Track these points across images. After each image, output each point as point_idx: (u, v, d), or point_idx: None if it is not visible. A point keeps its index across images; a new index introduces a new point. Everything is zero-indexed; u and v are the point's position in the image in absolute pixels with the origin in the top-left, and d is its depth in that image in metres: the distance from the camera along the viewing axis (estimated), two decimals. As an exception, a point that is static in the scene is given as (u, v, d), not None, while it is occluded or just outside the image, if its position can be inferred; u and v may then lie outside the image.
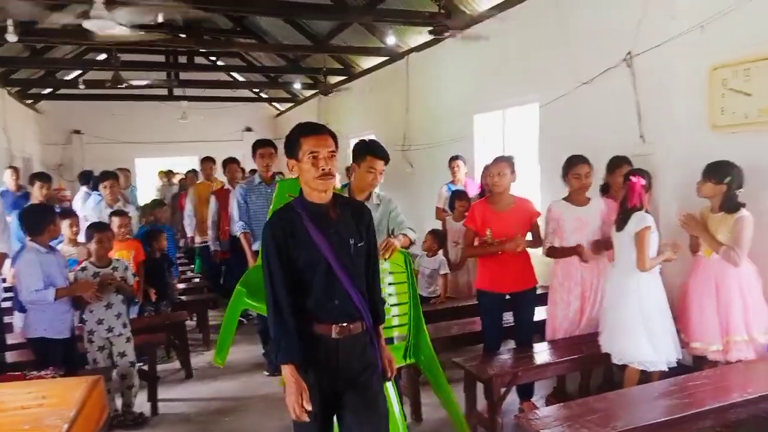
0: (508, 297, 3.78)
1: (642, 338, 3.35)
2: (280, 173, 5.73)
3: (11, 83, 10.75)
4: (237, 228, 4.79)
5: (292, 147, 2.23)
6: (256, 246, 4.54)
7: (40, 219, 3.72)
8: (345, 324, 2.21)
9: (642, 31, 4.43)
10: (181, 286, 6.56)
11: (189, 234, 7.57)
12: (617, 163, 4.11)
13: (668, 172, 4.25)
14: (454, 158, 6.30)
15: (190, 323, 6.07)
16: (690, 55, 4.11)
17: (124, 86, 9.25)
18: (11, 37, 6.14)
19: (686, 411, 2.70)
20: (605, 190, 4.21)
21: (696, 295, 3.49)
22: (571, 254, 3.75)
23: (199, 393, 4.75)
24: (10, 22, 6.07)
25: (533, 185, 5.77)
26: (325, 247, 2.17)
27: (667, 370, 3.34)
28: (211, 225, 6.52)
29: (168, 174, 11.78)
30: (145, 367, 4.41)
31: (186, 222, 7.62)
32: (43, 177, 6.13)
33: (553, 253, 3.86)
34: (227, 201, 5.71)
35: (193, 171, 9.92)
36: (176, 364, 5.28)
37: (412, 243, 3.31)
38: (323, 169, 2.15)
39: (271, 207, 3.32)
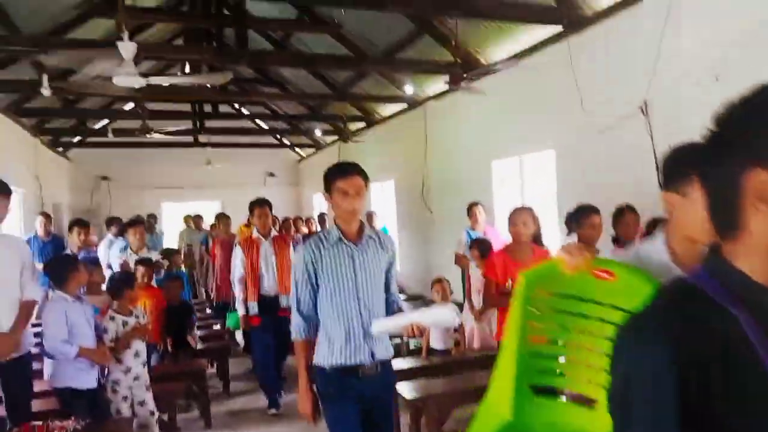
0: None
1: None
2: None
3: (44, 132, 11.17)
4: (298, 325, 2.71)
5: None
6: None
7: (63, 269, 3.81)
8: None
9: (657, 79, 4.49)
10: (200, 333, 6.57)
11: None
12: (621, 211, 4.06)
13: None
14: (473, 204, 6.33)
15: (210, 371, 6.08)
16: (707, 102, 4.13)
17: (151, 135, 9.55)
18: (45, 91, 6.43)
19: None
20: (617, 241, 4.15)
21: None
22: None
23: (218, 443, 4.73)
24: (45, 77, 6.38)
25: (553, 232, 5.76)
26: None
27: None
28: (239, 283, 5.22)
29: (196, 219, 11.16)
30: (165, 417, 4.41)
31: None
32: (81, 223, 6.28)
33: None
34: (256, 253, 5.14)
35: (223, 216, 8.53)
36: (196, 413, 5.27)
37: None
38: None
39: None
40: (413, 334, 2.53)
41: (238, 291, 5.23)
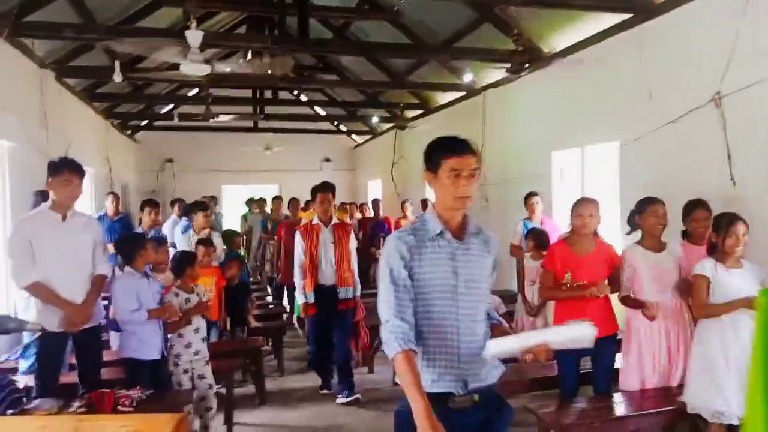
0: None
1: (734, 392, 3.15)
2: None
3: (114, 116, 11.69)
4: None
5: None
6: None
7: (132, 247, 4.02)
8: None
9: (731, 70, 4.27)
10: (257, 312, 6.77)
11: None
12: (693, 205, 3.89)
13: (763, 216, 4.02)
14: (531, 194, 6.20)
15: (266, 348, 6.26)
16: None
17: (214, 120, 9.84)
18: (117, 77, 6.72)
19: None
20: (686, 235, 3.99)
21: None
22: (641, 307, 3.61)
23: (273, 419, 4.89)
24: (117, 63, 6.67)
25: (614, 226, 5.60)
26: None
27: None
28: (299, 270, 5.13)
29: (259, 202, 10.91)
30: (223, 390, 4.59)
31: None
32: (152, 203, 6.59)
33: (626, 301, 3.73)
34: (315, 240, 5.05)
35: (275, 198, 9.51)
36: (251, 389, 5.46)
37: None
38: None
39: None
40: (538, 356, 2.03)
41: (298, 278, 5.13)
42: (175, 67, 5.69)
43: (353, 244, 5.31)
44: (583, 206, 3.67)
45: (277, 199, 10.02)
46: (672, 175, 4.81)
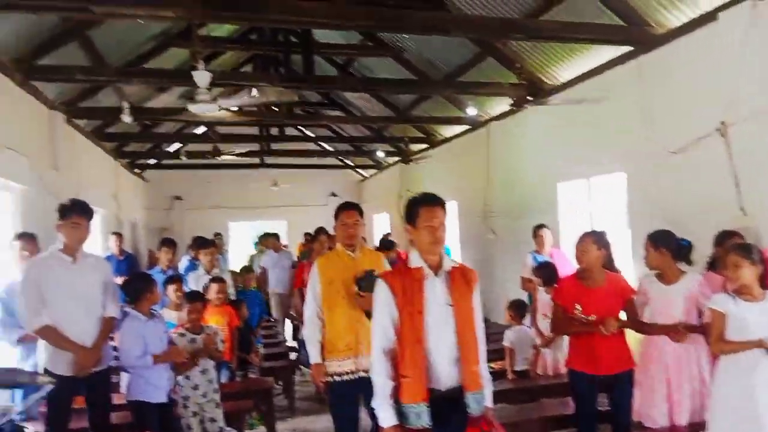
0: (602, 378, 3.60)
1: None
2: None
3: (123, 155, 11.84)
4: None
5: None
6: None
7: (137, 288, 3.99)
8: None
9: (735, 100, 4.30)
10: (265, 351, 6.68)
11: None
12: (727, 236, 3.84)
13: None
14: (539, 227, 6.19)
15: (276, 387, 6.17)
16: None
17: (221, 157, 9.94)
18: (126, 118, 6.84)
19: None
20: (713, 265, 3.92)
21: None
22: (661, 332, 3.55)
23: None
24: (126, 105, 6.79)
25: (624, 257, 5.57)
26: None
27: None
28: (383, 360, 2.73)
29: (272, 240, 9.68)
30: (233, 432, 4.51)
31: None
32: (169, 242, 6.58)
33: (641, 328, 3.68)
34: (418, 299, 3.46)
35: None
36: (262, 430, 5.36)
37: None
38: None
39: None
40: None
41: (379, 374, 2.68)
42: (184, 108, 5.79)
43: (479, 307, 2.73)
44: (579, 241, 3.67)
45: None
46: (680, 205, 4.80)
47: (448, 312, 2.50)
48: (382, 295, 2.55)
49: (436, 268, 2.55)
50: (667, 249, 3.60)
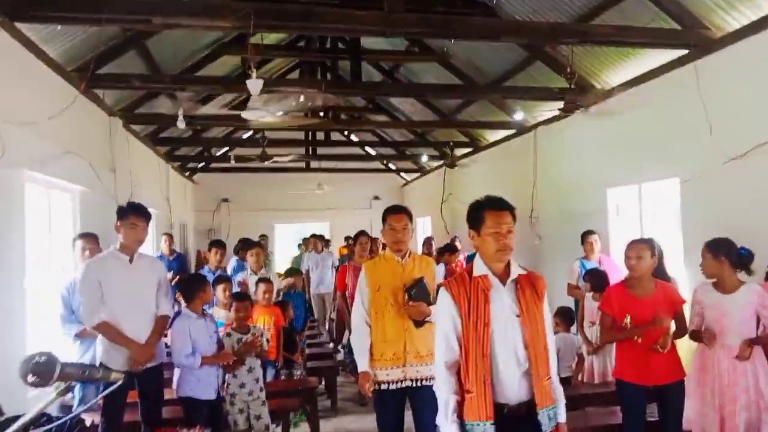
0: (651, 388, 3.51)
1: None
2: None
3: (174, 159, 12.22)
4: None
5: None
6: None
7: (191, 287, 4.14)
8: None
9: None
10: (308, 351, 6.77)
11: None
12: None
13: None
14: (588, 233, 6.05)
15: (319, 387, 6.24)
16: None
17: (269, 162, 10.13)
18: (181, 124, 7.05)
19: None
20: None
21: None
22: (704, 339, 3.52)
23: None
24: (180, 111, 7.01)
25: (676, 265, 5.41)
26: None
27: None
28: (447, 375, 2.52)
29: (317, 241, 9.83)
30: (279, 430, 4.59)
31: None
32: (219, 244, 6.80)
33: (692, 335, 3.66)
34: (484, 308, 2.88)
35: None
36: (305, 428, 5.43)
37: None
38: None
39: None
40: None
41: (444, 390, 2.64)
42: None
43: (549, 316, 2.63)
44: (630, 248, 3.60)
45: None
46: (737, 212, 4.62)
47: (515, 323, 2.37)
48: (444, 304, 2.42)
49: (503, 277, 2.42)
50: (727, 257, 3.51)
